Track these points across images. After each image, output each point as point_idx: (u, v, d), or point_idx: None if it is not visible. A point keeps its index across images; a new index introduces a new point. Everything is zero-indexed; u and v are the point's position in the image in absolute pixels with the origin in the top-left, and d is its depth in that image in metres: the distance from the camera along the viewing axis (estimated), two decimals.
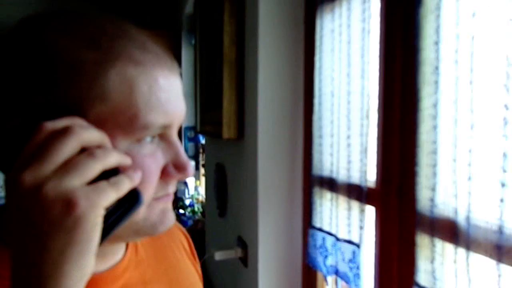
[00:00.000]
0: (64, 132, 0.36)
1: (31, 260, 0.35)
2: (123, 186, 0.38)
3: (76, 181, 0.35)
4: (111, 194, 0.37)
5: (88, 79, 0.41)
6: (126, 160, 0.41)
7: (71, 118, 0.39)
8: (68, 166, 0.35)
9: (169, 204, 0.49)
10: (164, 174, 0.46)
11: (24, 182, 0.34)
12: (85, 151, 0.37)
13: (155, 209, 0.47)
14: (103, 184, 0.37)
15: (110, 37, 0.43)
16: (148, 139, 0.45)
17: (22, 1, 3.08)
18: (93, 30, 0.43)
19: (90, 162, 0.36)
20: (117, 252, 0.54)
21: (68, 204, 0.34)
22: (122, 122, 0.42)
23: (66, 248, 0.34)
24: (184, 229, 0.73)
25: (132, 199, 0.40)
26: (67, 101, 0.40)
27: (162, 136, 0.46)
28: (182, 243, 0.69)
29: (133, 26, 0.46)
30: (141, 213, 0.45)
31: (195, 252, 0.71)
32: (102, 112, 0.41)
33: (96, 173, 0.37)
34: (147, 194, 0.45)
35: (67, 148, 0.36)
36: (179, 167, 0.47)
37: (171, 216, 0.49)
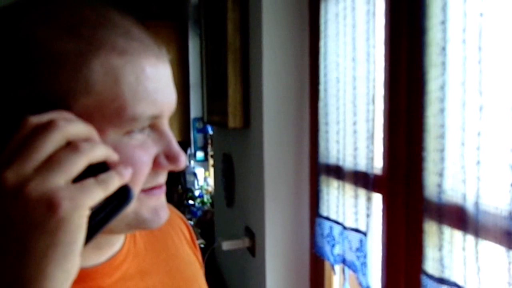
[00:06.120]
0: (48, 126, 0.35)
1: (12, 261, 0.33)
2: (112, 183, 0.36)
3: (60, 178, 0.34)
4: (98, 193, 0.35)
5: (71, 71, 0.39)
6: (113, 154, 0.39)
7: (57, 112, 0.37)
8: (51, 162, 0.34)
9: (161, 200, 0.48)
10: (156, 165, 0.45)
11: (7, 181, 0.33)
12: (69, 145, 0.35)
13: (146, 205, 0.45)
14: (89, 182, 0.35)
15: (92, 25, 0.41)
16: (138, 130, 0.43)
17: None
18: (73, 18, 0.41)
19: (73, 157, 0.35)
20: (115, 243, 0.53)
21: (50, 205, 0.33)
22: (109, 114, 0.40)
23: (49, 250, 0.33)
24: (183, 217, 0.72)
25: (121, 196, 0.37)
26: (51, 94, 0.39)
27: (153, 126, 0.45)
28: (182, 231, 0.68)
29: (117, 12, 0.44)
30: (130, 207, 0.43)
31: (195, 239, 0.70)
32: (88, 105, 0.40)
33: (81, 168, 0.35)
34: (138, 187, 0.43)
35: (51, 144, 0.34)
36: (171, 158, 0.45)
37: (164, 214, 0.47)
